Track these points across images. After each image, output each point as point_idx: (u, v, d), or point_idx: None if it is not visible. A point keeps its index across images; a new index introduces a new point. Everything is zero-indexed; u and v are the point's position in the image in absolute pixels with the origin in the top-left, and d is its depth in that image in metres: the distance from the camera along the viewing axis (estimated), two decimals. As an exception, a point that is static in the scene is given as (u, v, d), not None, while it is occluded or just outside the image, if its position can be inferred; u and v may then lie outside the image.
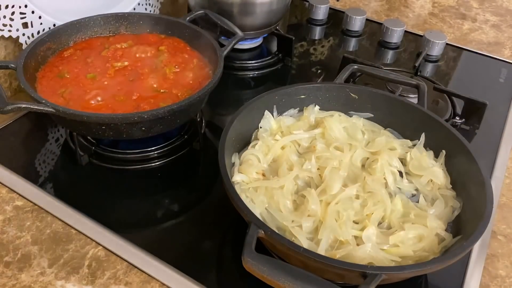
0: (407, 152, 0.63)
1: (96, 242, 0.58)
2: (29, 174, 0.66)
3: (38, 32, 0.78)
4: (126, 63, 0.74)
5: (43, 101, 0.60)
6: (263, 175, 0.58)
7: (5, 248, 0.57)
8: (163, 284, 0.54)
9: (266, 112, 0.65)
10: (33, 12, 0.76)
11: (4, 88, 0.73)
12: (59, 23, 0.79)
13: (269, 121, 0.65)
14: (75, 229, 0.59)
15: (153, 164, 0.70)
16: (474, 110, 0.80)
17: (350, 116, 0.68)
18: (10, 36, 0.75)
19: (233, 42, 0.76)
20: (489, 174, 0.72)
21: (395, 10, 1.22)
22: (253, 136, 0.64)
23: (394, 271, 0.45)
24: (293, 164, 0.59)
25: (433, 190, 0.59)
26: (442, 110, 0.82)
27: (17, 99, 0.78)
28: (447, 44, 1.02)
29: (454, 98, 0.84)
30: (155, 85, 0.71)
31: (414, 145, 0.64)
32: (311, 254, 0.45)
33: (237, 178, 0.57)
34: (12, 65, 0.65)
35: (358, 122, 0.67)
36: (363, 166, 0.62)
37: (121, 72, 0.73)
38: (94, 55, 0.76)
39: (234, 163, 0.60)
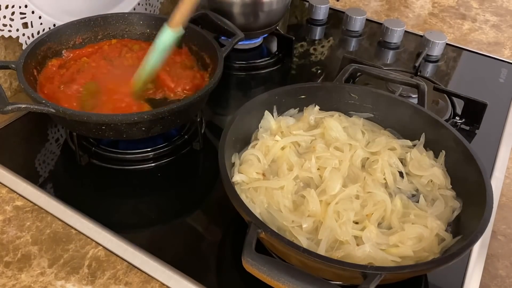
0: (407, 152, 0.63)
1: (96, 242, 0.58)
2: (29, 174, 0.66)
3: (38, 32, 0.78)
4: (126, 63, 0.74)
5: (43, 101, 0.60)
6: (263, 175, 0.58)
7: (5, 248, 0.57)
8: (163, 284, 0.54)
9: (266, 112, 0.65)
10: (33, 12, 0.76)
11: (4, 88, 0.73)
12: (59, 23, 0.79)
13: (269, 121, 0.65)
14: (75, 229, 0.59)
15: (153, 164, 0.70)
16: (474, 110, 0.80)
17: (350, 116, 0.68)
18: (10, 36, 0.75)
19: (233, 42, 0.76)
20: (489, 174, 0.72)
21: (395, 10, 1.22)
22: (253, 136, 0.64)
23: (394, 271, 0.45)
24: (293, 164, 0.59)
25: (433, 190, 0.59)
26: (442, 110, 0.82)
27: (17, 99, 0.78)
28: (447, 44, 1.02)
29: (454, 98, 0.84)
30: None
31: (414, 145, 0.64)
32: (311, 254, 0.45)
33: (237, 178, 0.57)
34: (12, 65, 0.65)
35: (358, 122, 0.67)
36: (363, 166, 0.62)
37: (121, 72, 0.73)
38: (94, 55, 0.76)
39: (234, 163, 0.60)
